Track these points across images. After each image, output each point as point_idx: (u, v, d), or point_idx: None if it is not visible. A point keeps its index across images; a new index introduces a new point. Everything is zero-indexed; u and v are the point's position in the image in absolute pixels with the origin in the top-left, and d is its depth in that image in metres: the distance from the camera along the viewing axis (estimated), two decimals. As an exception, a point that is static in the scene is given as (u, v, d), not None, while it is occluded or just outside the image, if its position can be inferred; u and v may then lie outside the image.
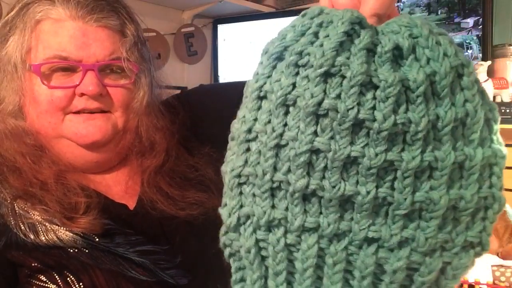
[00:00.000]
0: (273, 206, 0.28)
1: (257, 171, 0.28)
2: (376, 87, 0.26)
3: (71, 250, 0.62)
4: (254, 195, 0.29)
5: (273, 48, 0.31)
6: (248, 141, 0.29)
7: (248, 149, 0.29)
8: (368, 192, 0.26)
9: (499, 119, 0.34)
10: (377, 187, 0.27)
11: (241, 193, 0.30)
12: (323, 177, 0.26)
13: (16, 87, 0.66)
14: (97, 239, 0.63)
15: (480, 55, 1.48)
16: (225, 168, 0.31)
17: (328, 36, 0.27)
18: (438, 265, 0.28)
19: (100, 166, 0.72)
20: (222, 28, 2.37)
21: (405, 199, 0.26)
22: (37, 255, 0.61)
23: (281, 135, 0.27)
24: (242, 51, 2.29)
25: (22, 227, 0.62)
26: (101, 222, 0.63)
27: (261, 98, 0.30)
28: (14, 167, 0.65)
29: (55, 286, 0.60)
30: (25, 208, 0.63)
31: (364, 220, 0.26)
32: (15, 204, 0.63)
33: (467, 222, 0.29)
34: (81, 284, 0.60)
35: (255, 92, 0.30)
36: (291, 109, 0.28)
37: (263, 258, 0.28)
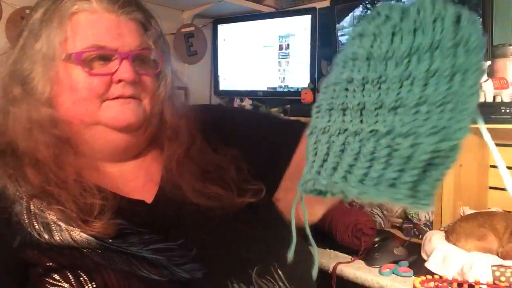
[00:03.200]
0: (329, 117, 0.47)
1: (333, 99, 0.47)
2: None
3: (85, 250, 0.64)
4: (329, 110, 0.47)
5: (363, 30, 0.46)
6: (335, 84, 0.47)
7: (334, 90, 0.47)
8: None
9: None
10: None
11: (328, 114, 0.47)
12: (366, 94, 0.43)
13: (51, 76, 0.69)
14: (110, 241, 0.65)
15: (480, 55, 1.48)
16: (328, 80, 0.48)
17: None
18: None
19: (128, 152, 0.76)
20: (222, 28, 2.36)
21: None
22: (51, 255, 0.63)
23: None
24: (242, 51, 2.29)
25: (36, 226, 0.64)
26: (115, 224, 0.65)
27: (353, 59, 0.45)
28: (35, 159, 0.67)
29: (68, 285, 0.61)
30: (41, 208, 0.65)
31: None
32: (31, 203, 0.65)
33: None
34: (93, 283, 0.61)
35: (347, 55, 0.46)
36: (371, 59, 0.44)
37: (315, 149, 0.47)
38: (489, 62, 1.38)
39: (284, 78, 2.16)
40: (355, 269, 1.28)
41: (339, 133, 0.44)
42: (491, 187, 1.60)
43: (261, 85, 2.23)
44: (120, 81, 0.69)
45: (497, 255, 1.19)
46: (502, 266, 1.12)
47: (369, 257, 1.32)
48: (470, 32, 0.39)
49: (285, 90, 2.16)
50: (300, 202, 0.50)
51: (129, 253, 0.65)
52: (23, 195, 0.65)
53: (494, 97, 1.38)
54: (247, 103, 2.34)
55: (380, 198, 0.39)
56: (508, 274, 1.10)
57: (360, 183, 0.41)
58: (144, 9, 0.75)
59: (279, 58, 2.16)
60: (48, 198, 0.65)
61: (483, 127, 0.46)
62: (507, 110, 1.29)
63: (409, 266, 1.26)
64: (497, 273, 1.10)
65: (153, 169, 0.78)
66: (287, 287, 0.69)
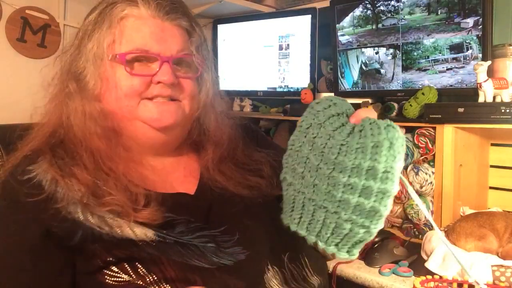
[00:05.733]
0: (293, 177, 0.66)
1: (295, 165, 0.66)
2: (347, 146, 0.59)
3: (140, 243, 0.67)
4: (293, 171, 0.66)
5: (306, 121, 0.66)
6: (296, 151, 0.66)
7: (300, 162, 0.64)
8: (322, 186, 0.61)
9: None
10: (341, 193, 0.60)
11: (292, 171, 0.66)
12: (309, 171, 0.63)
13: (100, 74, 0.75)
14: (164, 231, 0.69)
15: (480, 55, 1.48)
16: (290, 143, 0.65)
17: (339, 119, 0.62)
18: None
19: (166, 147, 0.81)
20: (222, 28, 2.37)
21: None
22: (111, 249, 0.67)
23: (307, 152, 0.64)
24: (242, 51, 2.29)
25: (94, 221, 0.67)
26: (162, 213, 0.69)
27: (307, 128, 0.65)
28: (90, 148, 0.73)
29: (127, 276, 0.66)
30: (93, 207, 0.68)
31: (321, 197, 0.61)
32: (84, 200, 0.68)
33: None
34: (153, 275, 0.66)
35: (303, 126, 0.66)
36: (313, 147, 0.63)
37: (285, 196, 0.68)
38: (489, 62, 1.38)
39: (284, 78, 2.16)
40: (355, 269, 1.28)
41: (300, 192, 0.64)
42: (491, 187, 1.60)
43: (261, 85, 2.23)
44: (159, 82, 0.74)
45: (497, 255, 1.19)
46: (502, 266, 1.12)
47: (369, 257, 1.32)
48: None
49: (285, 90, 2.16)
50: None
51: (180, 243, 0.69)
52: (74, 198, 0.68)
53: (494, 97, 1.38)
54: (247, 103, 2.34)
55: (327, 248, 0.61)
56: (508, 274, 1.10)
57: (315, 236, 0.62)
58: (190, 16, 0.80)
59: (279, 58, 2.16)
60: (98, 194, 0.69)
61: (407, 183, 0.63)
62: (507, 110, 1.29)
63: (409, 266, 1.27)
64: (497, 273, 1.10)
65: (192, 166, 0.84)
66: (312, 273, 0.78)
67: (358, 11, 1.80)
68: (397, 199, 1.56)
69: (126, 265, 0.66)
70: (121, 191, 0.69)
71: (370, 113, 0.60)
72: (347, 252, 0.60)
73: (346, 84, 1.89)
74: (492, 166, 1.58)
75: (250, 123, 0.98)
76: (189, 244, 0.69)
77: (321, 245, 0.61)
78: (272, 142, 1.01)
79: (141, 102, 0.75)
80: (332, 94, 1.93)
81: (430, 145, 1.50)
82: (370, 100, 1.80)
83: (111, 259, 0.66)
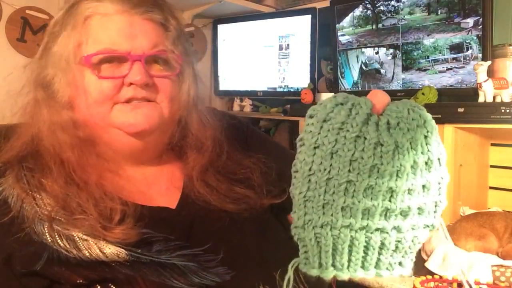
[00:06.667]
0: (324, 214, 0.48)
1: (315, 194, 0.48)
2: (381, 145, 0.46)
3: (113, 264, 0.62)
4: (312, 207, 0.49)
5: (320, 115, 0.48)
6: (309, 175, 0.48)
7: (309, 181, 0.48)
8: (377, 205, 0.47)
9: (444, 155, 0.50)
10: (382, 201, 0.47)
11: (305, 206, 0.49)
12: (354, 197, 0.47)
13: (69, 80, 0.69)
14: (139, 250, 0.63)
15: (480, 55, 1.48)
16: (294, 191, 0.50)
17: (358, 114, 0.47)
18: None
19: (146, 155, 0.74)
20: (222, 28, 2.37)
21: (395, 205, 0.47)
22: (80, 271, 0.61)
23: (329, 172, 0.47)
24: (242, 51, 2.29)
25: (62, 244, 0.62)
26: (137, 231, 0.64)
27: (315, 148, 0.48)
28: (60, 160, 0.67)
29: None
30: (63, 225, 0.63)
31: (376, 220, 0.48)
32: (53, 222, 0.63)
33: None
34: None
35: (311, 144, 0.48)
36: (334, 156, 0.47)
37: (318, 243, 0.49)
38: (489, 62, 1.38)
39: (284, 78, 2.16)
40: (355, 269, 1.27)
41: (330, 228, 0.49)
42: (491, 187, 1.60)
43: (261, 85, 2.23)
44: (131, 84, 0.68)
45: (497, 255, 1.19)
46: (502, 266, 1.12)
47: (369, 257, 1.31)
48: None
49: (285, 90, 2.16)
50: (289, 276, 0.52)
51: (157, 263, 0.63)
52: (43, 214, 0.63)
53: (494, 97, 1.38)
54: (247, 103, 2.34)
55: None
56: (508, 274, 1.10)
57: (366, 270, 0.50)
58: (163, 8, 0.72)
59: (279, 58, 2.16)
60: (68, 209, 0.63)
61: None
62: (507, 110, 1.28)
63: (409, 266, 1.26)
64: (497, 273, 1.10)
65: (175, 175, 0.76)
66: None
67: (358, 11, 1.80)
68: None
69: (99, 287, 0.61)
70: (93, 206, 0.64)
71: (385, 95, 0.48)
72: (405, 266, 0.50)
73: (346, 84, 1.90)
74: (492, 166, 1.58)
75: (240, 120, 0.89)
76: (167, 263, 0.64)
77: (371, 274, 0.49)
78: (266, 141, 0.92)
79: (114, 107, 0.68)
80: (332, 94, 1.93)
81: (430, 145, 1.50)
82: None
83: (81, 281, 0.61)
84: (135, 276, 0.62)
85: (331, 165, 0.47)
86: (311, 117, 0.49)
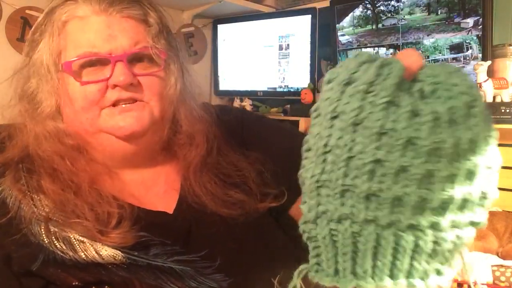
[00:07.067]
0: (342, 204, 0.37)
1: (332, 177, 0.37)
2: (417, 115, 0.35)
3: (110, 266, 0.61)
4: (328, 195, 0.37)
5: (341, 76, 0.38)
6: (325, 153, 0.37)
7: (324, 160, 0.37)
8: (411, 193, 0.35)
9: (496, 135, 0.40)
10: (417, 189, 0.35)
11: (318, 194, 0.38)
12: (381, 182, 0.35)
13: (51, 89, 0.67)
14: (136, 253, 0.62)
15: (480, 55, 1.48)
16: (305, 174, 0.39)
17: (390, 74, 0.36)
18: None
19: (140, 158, 0.72)
20: (222, 28, 2.37)
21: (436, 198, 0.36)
22: (76, 273, 0.61)
23: (350, 149, 0.36)
24: (242, 51, 2.29)
25: (58, 245, 0.61)
26: (134, 235, 0.62)
27: (333, 118, 0.37)
28: (51, 169, 0.65)
29: None
30: (59, 226, 0.62)
31: (409, 213, 0.36)
32: (49, 223, 0.62)
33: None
34: None
35: (328, 113, 0.37)
36: (359, 127, 0.36)
37: (335, 242, 0.38)
38: (489, 62, 1.38)
39: (284, 78, 2.16)
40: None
41: (358, 226, 0.37)
42: (491, 187, 1.60)
43: (261, 85, 2.23)
44: (116, 86, 0.65)
45: (497, 255, 1.19)
46: (502, 266, 1.12)
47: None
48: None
49: (285, 90, 2.16)
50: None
51: (154, 266, 0.62)
52: (40, 215, 0.63)
53: (494, 97, 1.38)
54: (247, 103, 2.34)
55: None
56: (508, 274, 1.10)
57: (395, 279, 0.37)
58: (142, 3, 0.70)
59: (279, 58, 2.16)
60: (66, 211, 0.63)
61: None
62: (507, 110, 1.29)
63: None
64: (497, 273, 1.10)
65: (173, 176, 0.75)
66: None
67: (358, 11, 1.80)
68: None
69: None
70: (89, 210, 0.62)
71: (419, 57, 0.39)
72: (444, 274, 0.38)
73: (346, 84, 1.90)
74: (492, 166, 1.58)
75: (235, 115, 0.84)
76: (164, 266, 0.63)
77: (401, 284, 0.37)
78: (265, 132, 0.85)
79: (102, 111, 0.66)
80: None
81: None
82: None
83: (77, 283, 0.60)
84: (132, 278, 0.61)
85: (353, 139, 0.36)
86: (329, 82, 0.39)
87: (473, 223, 0.38)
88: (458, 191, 0.36)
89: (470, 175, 0.37)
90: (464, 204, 0.37)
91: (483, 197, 0.39)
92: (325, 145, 0.37)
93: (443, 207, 0.36)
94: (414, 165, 0.35)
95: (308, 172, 0.39)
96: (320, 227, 0.38)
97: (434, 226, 0.36)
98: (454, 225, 0.37)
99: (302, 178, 0.40)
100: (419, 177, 0.35)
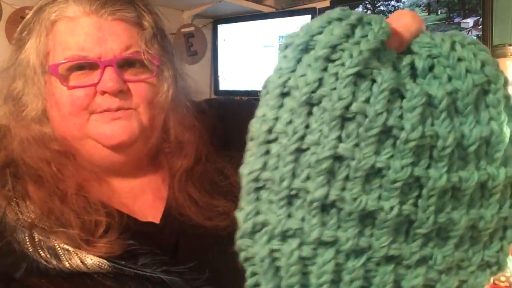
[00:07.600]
0: (289, 215, 0.26)
1: (275, 176, 0.26)
2: (402, 98, 0.25)
3: (96, 276, 0.59)
4: (270, 201, 0.27)
5: (298, 39, 0.26)
6: (268, 142, 0.27)
7: (267, 152, 0.27)
8: (391, 208, 0.24)
9: None
10: (400, 203, 0.25)
11: (257, 198, 0.28)
12: (344, 188, 0.25)
13: (38, 91, 0.64)
14: (123, 262, 0.60)
15: (480, 55, 1.48)
16: (243, 170, 0.29)
17: (366, 36, 0.25)
18: (454, 283, 0.26)
19: (129, 168, 0.69)
20: (222, 28, 2.36)
21: (428, 218, 0.25)
22: (61, 283, 0.59)
23: (302, 137, 0.25)
24: (242, 51, 2.29)
25: (42, 254, 0.59)
26: (122, 244, 0.60)
27: (283, 95, 0.27)
28: (36, 175, 0.63)
29: None
30: (44, 233, 0.60)
31: (385, 237, 0.25)
32: (34, 231, 0.60)
33: (485, 241, 0.27)
34: None
35: (277, 88, 0.27)
36: (315, 109, 0.25)
37: (278, 269, 0.26)
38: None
39: (284, 78, 2.16)
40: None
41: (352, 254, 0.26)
42: (491, 187, 1.60)
43: (261, 85, 2.23)
44: (104, 92, 0.62)
45: (497, 255, 1.19)
46: (502, 266, 1.12)
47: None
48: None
49: (285, 90, 2.16)
50: None
51: (143, 276, 0.60)
52: (25, 222, 0.60)
53: (494, 97, 1.38)
54: (247, 103, 2.34)
55: None
56: (508, 274, 1.09)
57: None
58: (136, 4, 0.67)
59: (279, 58, 2.16)
60: (51, 219, 0.60)
61: None
62: (507, 110, 1.29)
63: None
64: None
65: (159, 185, 0.72)
66: None
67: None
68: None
69: None
70: (76, 218, 0.60)
71: (415, 20, 0.28)
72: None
73: (346, 84, 1.90)
74: (492, 166, 1.58)
75: (218, 109, 0.79)
76: (153, 277, 0.61)
77: None
78: (246, 120, 0.81)
79: (91, 117, 0.63)
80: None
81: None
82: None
83: None
84: None
85: (307, 125, 0.25)
86: (286, 47, 0.28)
87: (487, 265, 0.29)
88: (461, 216, 0.26)
89: (483, 193, 0.26)
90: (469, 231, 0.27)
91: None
92: (269, 131, 0.27)
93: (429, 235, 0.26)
94: (394, 167, 0.24)
95: (246, 168, 0.28)
96: (259, 244, 0.27)
97: (426, 259, 0.26)
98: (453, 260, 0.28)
99: (241, 177, 0.29)
100: (400, 185, 0.24)
